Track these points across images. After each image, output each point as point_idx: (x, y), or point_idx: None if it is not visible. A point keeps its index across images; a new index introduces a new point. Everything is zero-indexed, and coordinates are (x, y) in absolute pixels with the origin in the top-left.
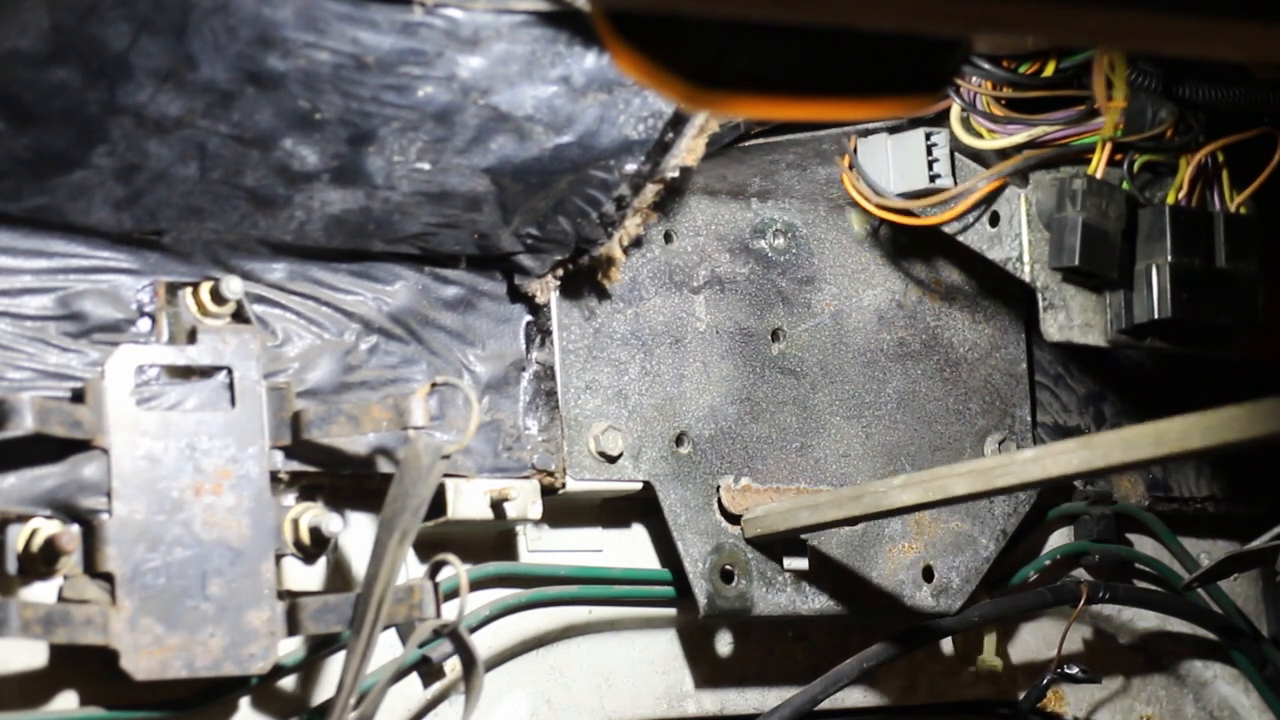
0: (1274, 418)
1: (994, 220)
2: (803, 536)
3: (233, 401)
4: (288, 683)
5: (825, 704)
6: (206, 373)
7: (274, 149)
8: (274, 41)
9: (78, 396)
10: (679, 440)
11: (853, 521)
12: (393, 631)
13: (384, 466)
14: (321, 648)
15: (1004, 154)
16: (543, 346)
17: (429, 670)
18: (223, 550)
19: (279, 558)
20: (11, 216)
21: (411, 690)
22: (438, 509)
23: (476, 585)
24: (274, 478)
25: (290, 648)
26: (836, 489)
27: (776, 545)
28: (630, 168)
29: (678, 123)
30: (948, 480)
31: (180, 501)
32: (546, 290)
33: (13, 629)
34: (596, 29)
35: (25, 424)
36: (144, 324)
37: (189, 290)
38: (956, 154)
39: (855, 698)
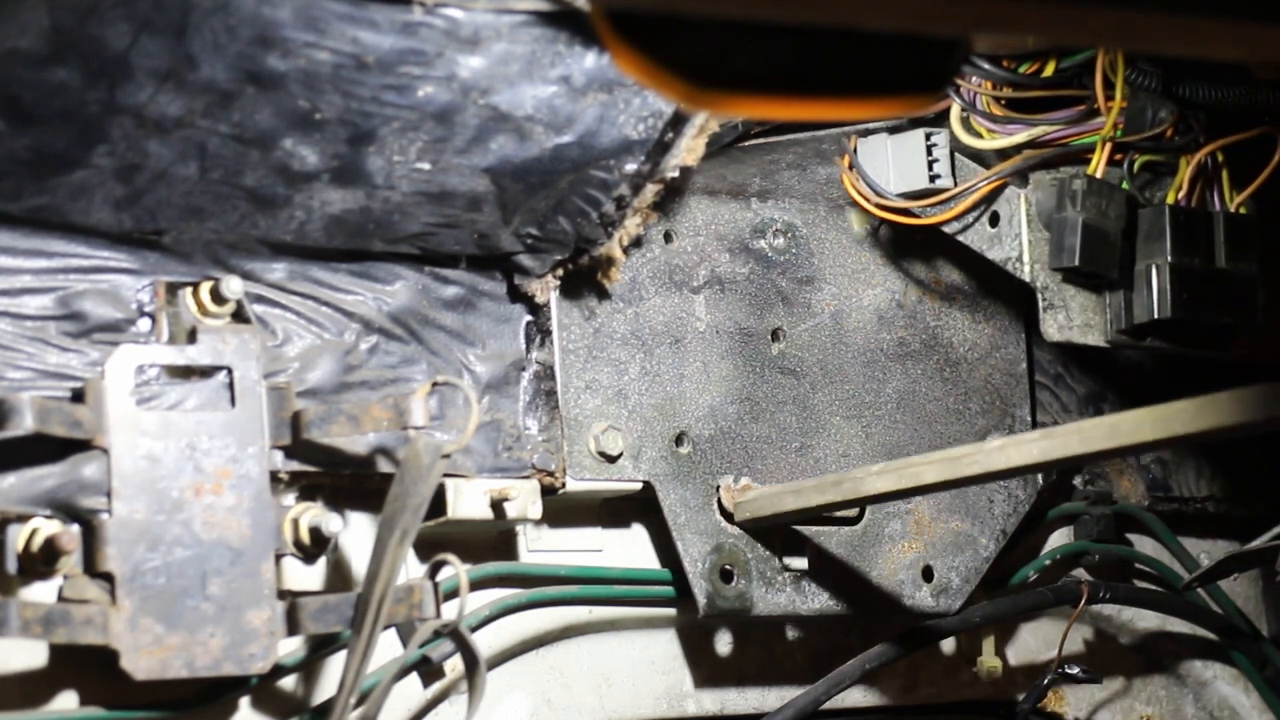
0: (1222, 411)
1: (994, 220)
2: (803, 535)
3: (233, 401)
4: (288, 683)
5: (826, 704)
6: (206, 373)
7: (274, 149)
8: (274, 41)
9: (78, 396)
10: (679, 440)
11: (834, 507)
12: (393, 631)
13: (384, 466)
14: (321, 647)
15: (1004, 154)
16: (543, 346)
17: (429, 670)
18: (223, 550)
19: (279, 558)
20: (11, 216)
21: (411, 690)
22: (438, 509)
23: (476, 585)
24: (274, 478)
25: (290, 648)
26: (821, 476)
27: (775, 542)
28: (630, 168)
29: (678, 123)
30: (920, 468)
31: (180, 501)
32: (546, 290)
33: (13, 629)
34: (596, 29)
35: (25, 424)
36: (144, 324)
37: (189, 290)
38: (956, 154)
39: (855, 697)
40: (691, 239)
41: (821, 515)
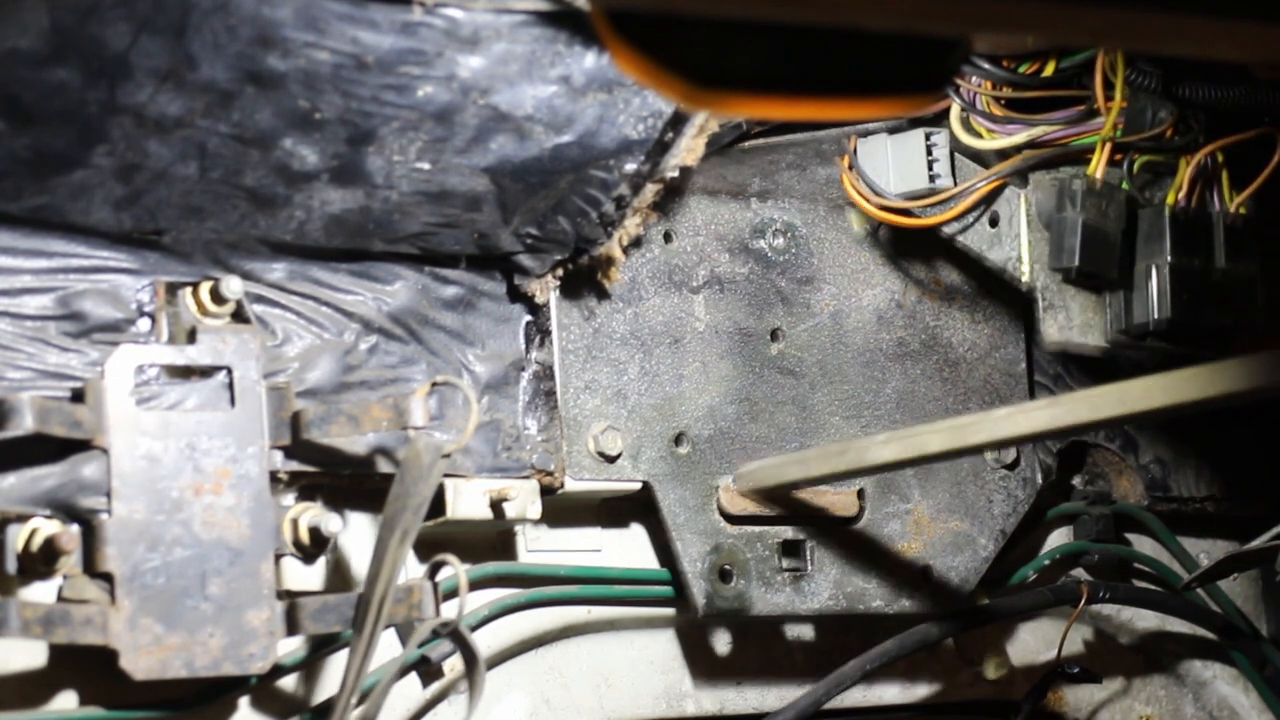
0: (1231, 377)
1: (993, 221)
2: (802, 535)
3: (232, 401)
4: (287, 683)
5: (826, 704)
6: (206, 373)
7: (274, 149)
8: (274, 41)
9: (78, 396)
10: (678, 440)
11: (839, 477)
12: (392, 631)
13: (384, 466)
14: (321, 647)
15: (1004, 154)
16: (542, 346)
17: (429, 670)
18: (222, 550)
19: (278, 557)
20: (11, 216)
21: (411, 690)
22: (437, 509)
23: (476, 585)
24: (274, 478)
25: (290, 647)
26: (824, 445)
27: (774, 541)
28: (630, 167)
29: (678, 123)
30: (925, 437)
31: (180, 501)
32: (546, 290)
33: (13, 629)
34: (596, 29)
35: (25, 424)
36: (144, 324)
37: (189, 290)
38: (956, 154)
39: (855, 697)
40: (691, 239)
41: (820, 515)
